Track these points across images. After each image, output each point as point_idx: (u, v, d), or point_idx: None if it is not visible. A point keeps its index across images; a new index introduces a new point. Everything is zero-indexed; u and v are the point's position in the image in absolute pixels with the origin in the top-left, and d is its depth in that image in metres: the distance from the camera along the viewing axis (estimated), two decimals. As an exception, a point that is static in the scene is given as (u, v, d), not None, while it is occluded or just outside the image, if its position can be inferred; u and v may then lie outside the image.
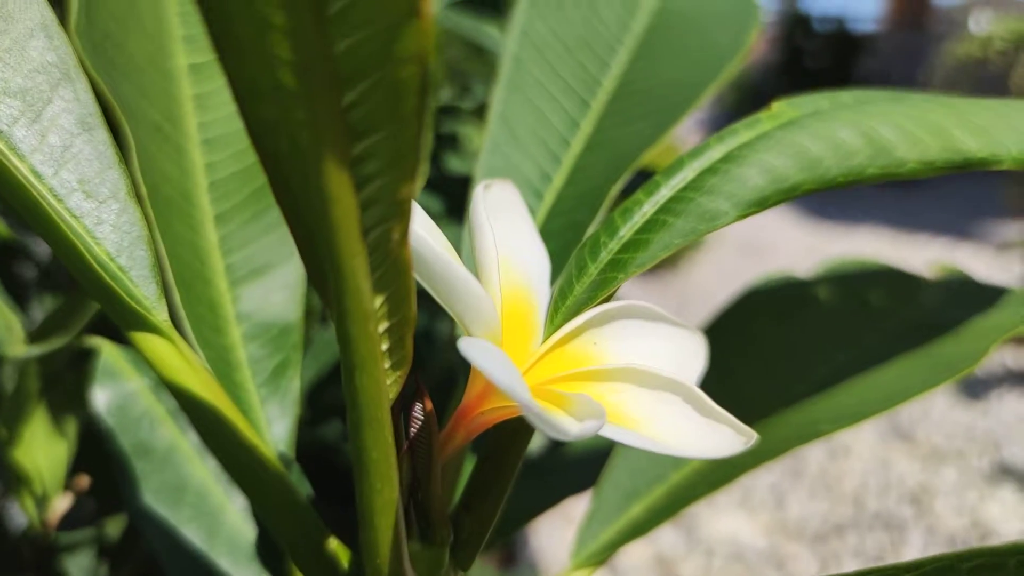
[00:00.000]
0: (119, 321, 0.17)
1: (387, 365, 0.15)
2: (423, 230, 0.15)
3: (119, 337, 0.30)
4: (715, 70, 0.29)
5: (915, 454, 1.80)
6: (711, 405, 0.17)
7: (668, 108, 0.29)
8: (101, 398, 0.26)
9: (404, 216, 0.13)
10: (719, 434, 0.17)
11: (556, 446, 0.36)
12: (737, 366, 0.31)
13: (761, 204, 0.19)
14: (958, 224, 3.46)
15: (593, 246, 0.20)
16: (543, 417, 0.13)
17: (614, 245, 0.20)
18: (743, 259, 3.05)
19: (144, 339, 0.17)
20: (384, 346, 0.15)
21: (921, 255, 2.91)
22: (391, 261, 0.14)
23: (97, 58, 0.27)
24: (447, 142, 0.52)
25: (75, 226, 0.17)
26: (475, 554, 0.20)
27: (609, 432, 0.16)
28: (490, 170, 0.28)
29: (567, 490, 0.34)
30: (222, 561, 0.23)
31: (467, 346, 0.14)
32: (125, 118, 0.26)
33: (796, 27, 6.07)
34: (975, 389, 2.06)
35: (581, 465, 0.35)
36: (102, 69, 0.27)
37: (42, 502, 0.36)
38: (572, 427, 0.13)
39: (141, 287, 0.18)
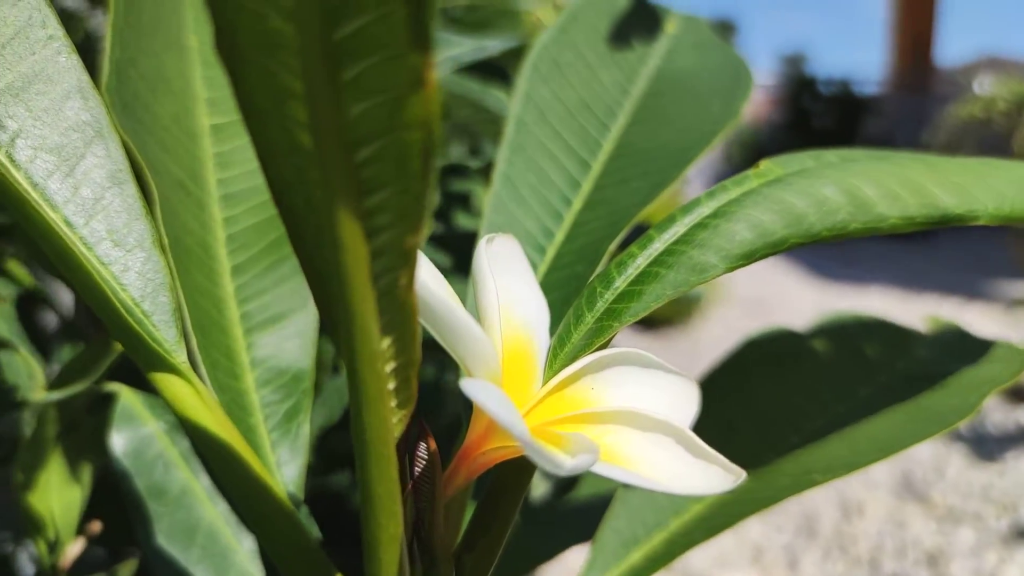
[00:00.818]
0: (141, 362, 0.19)
1: (393, 403, 0.16)
2: (429, 279, 0.16)
3: (136, 383, 0.31)
4: (708, 135, 0.31)
5: (931, 515, 1.77)
6: (702, 446, 0.18)
7: (663, 169, 0.30)
8: (118, 441, 0.27)
9: (410, 264, 0.15)
10: (710, 472, 0.18)
11: (558, 496, 0.37)
12: (734, 417, 0.31)
13: (749, 257, 0.21)
14: (967, 283, 3.46)
15: (590, 296, 0.21)
16: (539, 451, 0.14)
17: (609, 295, 0.21)
18: (750, 318, 3.05)
19: (164, 379, 0.19)
20: (391, 385, 0.16)
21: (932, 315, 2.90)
22: (398, 306, 0.15)
23: (126, 117, 0.29)
24: (457, 200, 0.54)
25: (103, 273, 0.19)
26: (477, 590, 0.20)
27: (605, 470, 0.16)
28: (494, 226, 0.29)
29: (569, 540, 0.34)
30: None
31: (468, 385, 0.15)
32: (150, 174, 0.27)
33: (802, 89, 6.18)
34: (991, 449, 2.04)
35: (583, 515, 0.36)
36: (130, 127, 0.28)
37: (55, 547, 0.37)
38: (566, 462, 0.14)
39: (162, 331, 0.19)
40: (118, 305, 0.18)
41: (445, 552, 0.19)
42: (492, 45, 0.34)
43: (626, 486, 0.28)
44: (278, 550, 0.19)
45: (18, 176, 0.19)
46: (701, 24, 0.43)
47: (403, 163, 0.13)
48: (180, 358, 0.19)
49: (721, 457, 0.18)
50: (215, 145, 0.33)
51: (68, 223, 0.19)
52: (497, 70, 0.42)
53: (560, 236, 0.30)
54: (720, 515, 0.27)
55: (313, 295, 0.15)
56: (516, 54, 0.43)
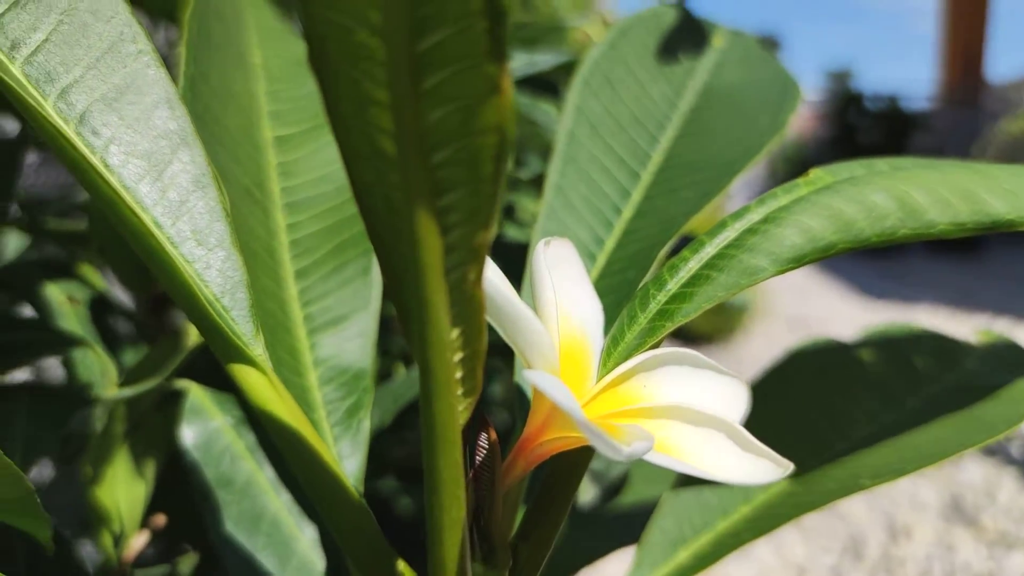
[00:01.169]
0: (220, 354, 0.20)
1: (459, 392, 0.17)
2: (492, 274, 0.17)
3: (203, 381, 0.33)
4: (754, 148, 0.31)
5: (981, 539, 1.73)
6: (752, 440, 0.19)
7: (711, 180, 0.31)
8: (188, 434, 0.29)
9: (480, 260, 0.16)
10: (760, 465, 0.18)
11: (604, 501, 0.38)
12: (779, 423, 0.32)
13: (798, 261, 0.21)
14: (1018, 301, 3.38)
15: (643, 298, 0.22)
16: (598, 434, 0.15)
17: (662, 297, 0.22)
18: (794, 335, 3.01)
19: (241, 371, 0.20)
20: (458, 375, 0.17)
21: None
22: (467, 299, 0.16)
23: (198, 128, 0.30)
24: (504, 211, 0.55)
25: (188, 270, 0.20)
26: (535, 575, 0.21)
27: (660, 460, 0.17)
28: (546, 234, 0.30)
29: (614, 544, 0.35)
30: (293, 588, 0.25)
31: (530, 374, 0.16)
32: (221, 182, 0.29)
33: (848, 104, 6.11)
34: (1043, 473, 1.98)
35: (628, 520, 0.37)
36: (202, 138, 0.30)
37: (119, 540, 0.39)
38: (623, 448, 0.15)
39: (240, 325, 0.20)
40: (202, 300, 0.19)
41: (503, 540, 0.20)
42: (543, 60, 0.35)
43: (673, 489, 0.29)
44: (344, 533, 0.20)
45: (112, 179, 0.20)
46: (748, 39, 0.43)
47: (475, 165, 0.14)
48: (257, 351, 0.20)
49: (770, 451, 0.18)
50: (278, 156, 0.35)
51: (157, 224, 0.20)
52: (547, 85, 0.43)
53: (611, 243, 0.31)
54: (767, 517, 0.27)
55: (388, 288, 0.17)
56: (565, 69, 0.44)
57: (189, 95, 0.31)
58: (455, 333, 0.16)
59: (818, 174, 0.24)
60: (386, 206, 0.15)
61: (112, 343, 0.40)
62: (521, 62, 0.34)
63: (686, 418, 0.19)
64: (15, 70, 0.20)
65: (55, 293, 0.37)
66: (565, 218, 0.31)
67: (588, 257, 0.30)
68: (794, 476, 0.29)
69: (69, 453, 0.35)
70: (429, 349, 0.16)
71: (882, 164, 0.24)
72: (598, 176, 0.33)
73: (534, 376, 0.15)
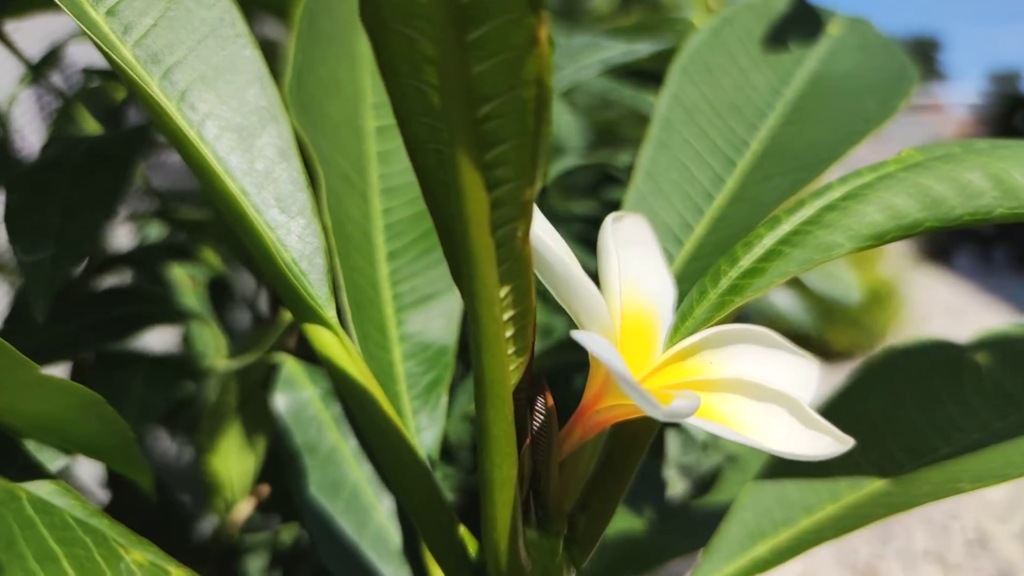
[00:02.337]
0: (296, 315, 0.21)
1: (511, 351, 0.18)
2: (546, 236, 0.17)
3: (300, 357, 0.34)
4: (857, 133, 0.30)
5: None
6: (815, 417, 0.18)
7: (807, 166, 0.30)
8: (281, 402, 0.30)
9: (527, 216, 0.16)
10: (821, 440, 0.18)
11: (694, 496, 0.37)
12: (877, 423, 0.30)
13: (878, 239, 0.20)
14: None
15: (714, 274, 0.22)
16: (638, 390, 0.14)
17: (734, 273, 0.21)
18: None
19: (315, 330, 0.21)
20: (508, 333, 0.17)
21: None
22: (516, 256, 0.16)
23: (303, 116, 0.32)
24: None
25: (270, 235, 0.21)
26: (588, 552, 0.21)
27: (714, 428, 0.17)
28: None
29: (700, 541, 0.34)
30: (369, 553, 0.26)
31: (579, 334, 0.16)
32: (320, 166, 0.30)
33: (1014, 108, 5.69)
34: None
35: (717, 518, 0.36)
36: (306, 125, 0.32)
37: (230, 506, 0.41)
38: (662, 406, 0.15)
39: (316, 288, 0.21)
40: (280, 263, 0.20)
41: (559, 508, 0.20)
42: (642, 48, 0.35)
43: (755, 481, 0.28)
44: (407, 490, 0.20)
45: (206, 151, 0.22)
46: (867, 26, 0.41)
47: (520, 118, 0.14)
48: (330, 313, 0.21)
49: (832, 427, 0.18)
50: (378, 144, 0.36)
51: (244, 192, 0.22)
52: (653, 76, 0.42)
53: (700, 229, 0.30)
54: (853, 516, 0.26)
55: (442, 245, 0.17)
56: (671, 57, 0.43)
57: (295, 84, 0.32)
58: (505, 290, 0.17)
59: (910, 152, 0.23)
60: (436, 161, 0.16)
61: (228, 321, 0.43)
62: (620, 51, 0.34)
63: (748, 392, 0.19)
64: (126, 52, 0.22)
65: (178, 273, 0.40)
66: (653, 203, 0.31)
67: (675, 242, 0.30)
68: (889, 477, 0.28)
69: (185, 421, 0.37)
70: (477, 303, 0.16)
71: (983, 143, 0.23)
72: (691, 162, 0.32)
73: (579, 335, 0.15)
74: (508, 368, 0.17)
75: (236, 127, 0.22)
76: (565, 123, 0.60)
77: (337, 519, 0.27)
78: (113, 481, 0.44)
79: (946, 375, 0.32)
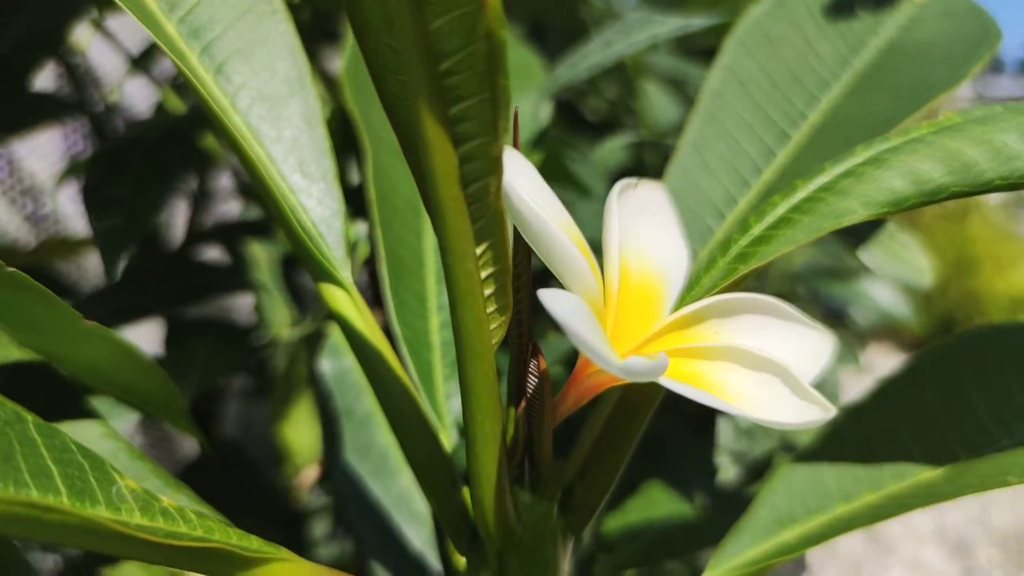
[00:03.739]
0: (313, 273, 0.22)
1: (491, 309, 0.18)
2: (530, 195, 0.17)
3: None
4: (919, 100, 0.29)
5: None
6: (805, 387, 0.17)
7: (863, 138, 0.28)
8: (326, 366, 0.32)
9: (497, 172, 0.16)
10: (808, 410, 0.17)
11: (748, 483, 0.36)
12: (934, 409, 0.28)
13: (896, 205, 0.19)
14: None
15: (725, 243, 0.21)
16: (587, 343, 0.14)
17: (744, 241, 0.21)
18: None
19: (328, 289, 0.22)
20: (488, 291, 0.18)
21: None
22: (490, 213, 0.17)
23: (358, 94, 0.33)
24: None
25: (291, 199, 0.22)
26: (586, 521, 0.21)
27: (695, 394, 0.17)
28: (673, 191, 0.30)
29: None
30: (392, 513, 0.27)
31: (542, 293, 0.16)
32: (370, 140, 0.31)
33: None
34: None
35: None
36: (360, 102, 0.33)
37: (298, 471, 0.43)
38: (615, 360, 0.15)
39: (333, 249, 0.22)
40: (296, 224, 0.21)
41: (552, 472, 0.20)
42: (696, 22, 0.34)
43: (790, 463, 0.27)
44: (409, 441, 0.21)
45: (237, 120, 0.23)
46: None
47: (479, 74, 0.15)
48: (344, 274, 0.22)
49: (822, 398, 0.17)
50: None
51: (271, 158, 0.23)
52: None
53: (745, 204, 0.29)
54: (891, 505, 0.25)
55: (423, 202, 0.17)
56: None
57: (353, 63, 0.34)
58: (481, 247, 0.17)
59: (948, 115, 0.21)
60: (409, 115, 0.16)
61: (303, 297, 0.45)
62: (673, 25, 0.33)
63: (742, 360, 0.18)
64: (170, 28, 0.23)
65: (255, 248, 0.43)
66: (696, 176, 0.30)
67: (716, 215, 0.29)
68: (937, 466, 0.26)
69: (255, 389, 0.39)
70: (449, 256, 0.16)
71: (1033, 105, 0.21)
72: (741, 135, 0.31)
73: (542, 293, 0.15)
74: (487, 325, 0.18)
75: (267, 97, 0.23)
76: (660, 103, 0.60)
77: (364, 479, 0.27)
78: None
79: (1021, 365, 0.30)
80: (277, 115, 0.23)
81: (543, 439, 0.20)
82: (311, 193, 0.23)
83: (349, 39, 0.35)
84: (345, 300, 0.22)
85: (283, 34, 0.24)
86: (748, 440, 0.34)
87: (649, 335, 0.20)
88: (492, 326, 0.18)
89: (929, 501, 0.24)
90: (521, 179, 0.18)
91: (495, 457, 0.19)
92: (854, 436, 0.27)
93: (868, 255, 0.36)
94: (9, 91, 0.35)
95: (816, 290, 0.77)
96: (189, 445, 0.57)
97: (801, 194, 0.21)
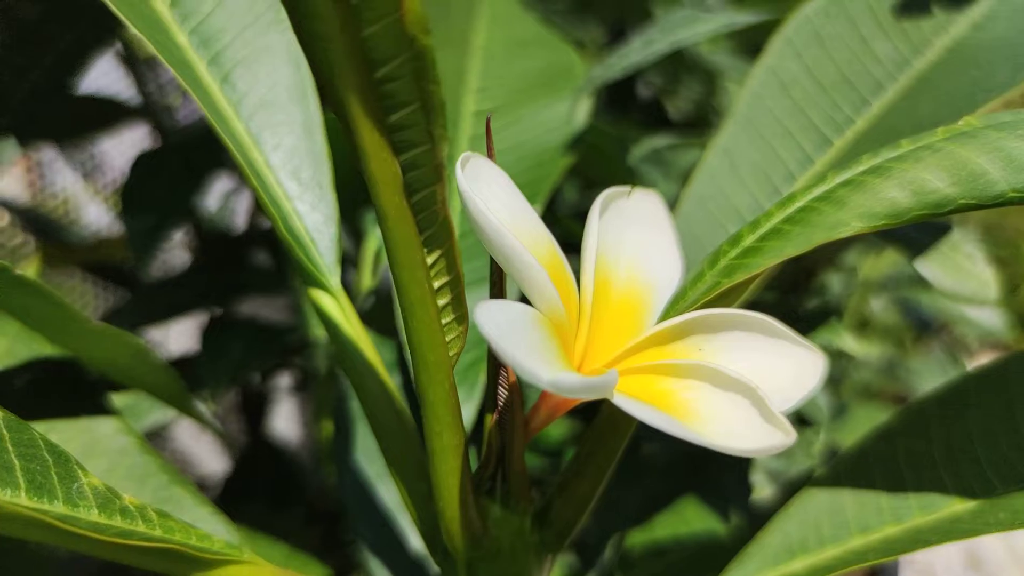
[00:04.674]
0: (302, 278, 0.22)
1: (448, 320, 0.17)
2: (490, 204, 0.17)
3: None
4: (968, 106, 0.26)
5: None
6: (774, 413, 0.16)
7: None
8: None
9: (442, 180, 0.16)
10: (770, 438, 0.16)
11: (784, 500, 0.34)
12: (980, 440, 0.26)
13: (895, 217, 0.18)
14: None
15: (715, 256, 0.20)
16: (507, 354, 0.14)
17: (733, 252, 0.19)
18: None
19: (316, 294, 0.22)
20: (443, 301, 0.17)
21: None
22: (440, 221, 0.16)
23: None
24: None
25: (286, 206, 0.23)
26: (564, 539, 0.20)
27: (658, 421, 0.16)
28: (699, 198, 0.29)
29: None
30: (396, 518, 0.27)
31: (478, 308, 0.15)
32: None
33: None
34: None
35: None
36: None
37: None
38: (544, 373, 0.14)
39: (324, 255, 0.22)
40: (285, 231, 0.22)
41: (522, 484, 0.19)
42: (742, 19, 0.32)
43: (808, 488, 0.25)
44: (390, 451, 0.21)
45: (239, 127, 0.23)
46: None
47: (412, 78, 0.14)
48: (333, 279, 0.22)
49: (787, 424, 0.16)
50: (473, 128, 0.37)
51: (269, 165, 0.23)
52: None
53: (772, 214, 0.28)
54: (911, 540, 0.23)
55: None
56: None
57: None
58: (433, 257, 0.17)
59: (968, 120, 0.19)
60: (348, 124, 0.16)
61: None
62: (717, 23, 0.32)
63: (712, 379, 0.17)
64: (182, 38, 0.24)
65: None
66: (724, 182, 0.29)
67: (742, 224, 0.28)
68: (969, 498, 0.24)
69: (295, 388, 0.40)
70: (396, 267, 0.16)
71: (1069, 109, 0.19)
72: (777, 141, 0.30)
73: (480, 305, 0.15)
74: (441, 335, 0.17)
75: (269, 104, 0.24)
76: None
77: (373, 483, 0.28)
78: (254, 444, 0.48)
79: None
80: (278, 122, 0.24)
81: (514, 452, 0.19)
82: (304, 199, 0.23)
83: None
84: (333, 305, 0.22)
85: (287, 44, 0.24)
86: (785, 458, 0.32)
87: (625, 350, 0.19)
88: (449, 337, 0.18)
89: (952, 537, 0.22)
90: (484, 187, 0.18)
91: (456, 470, 0.18)
92: (882, 461, 0.25)
93: (926, 267, 0.33)
94: (62, 97, 0.37)
95: (905, 300, 0.73)
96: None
97: (799, 204, 0.19)
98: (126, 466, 0.25)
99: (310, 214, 0.23)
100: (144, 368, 0.26)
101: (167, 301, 0.37)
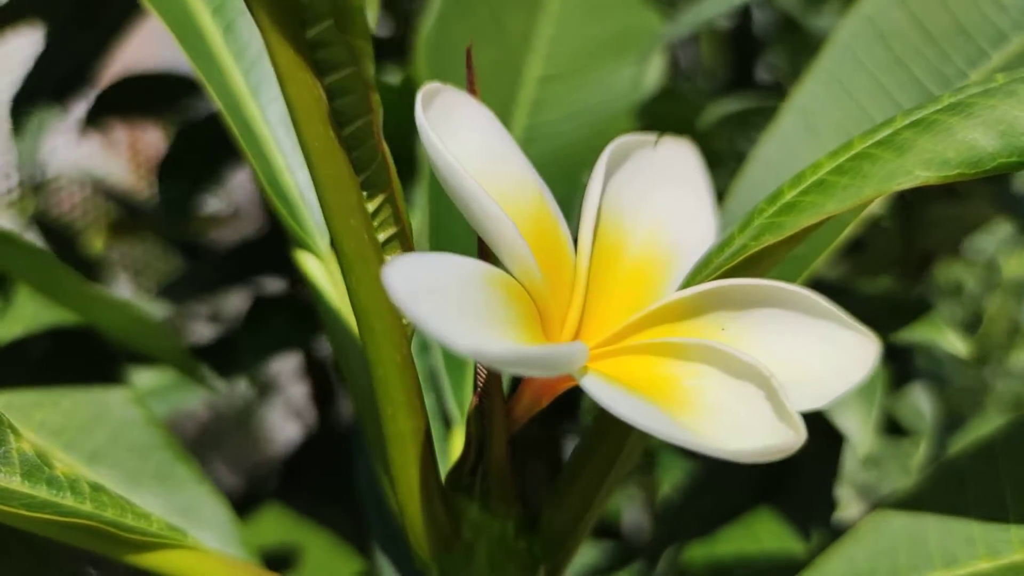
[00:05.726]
0: (294, 240, 0.20)
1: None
2: (442, 142, 0.14)
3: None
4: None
5: None
6: (788, 409, 0.13)
7: None
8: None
9: (376, 111, 0.13)
10: (775, 436, 0.12)
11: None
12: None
13: (973, 165, 0.14)
14: None
15: (749, 216, 0.16)
16: (419, 318, 0.11)
17: (771, 210, 0.16)
18: None
19: (303, 256, 0.20)
20: (390, 258, 0.15)
21: None
22: (380, 160, 0.14)
23: (436, 56, 0.31)
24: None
25: (278, 161, 0.21)
26: (557, 551, 0.17)
27: (636, 415, 0.12)
28: (767, 162, 0.25)
29: None
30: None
31: (392, 260, 0.12)
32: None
33: None
34: None
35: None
36: (437, 67, 0.31)
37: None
38: (460, 338, 0.11)
39: (314, 216, 0.20)
40: (270, 191, 0.20)
41: (504, 486, 0.17)
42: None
43: (881, 509, 0.21)
44: (370, 425, 0.19)
45: (237, 78, 0.22)
46: None
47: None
48: (322, 243, 0.20)
49: (799, 421, 0.12)
50: (537, 92, 0.34)
51: (266, 120, 0.21)
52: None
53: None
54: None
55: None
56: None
57: (436, 28, 0.32)
58: (375, 203, 0.14)
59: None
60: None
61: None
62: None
63: (723, 365, 0.14)
64: (223, 46, 0.22)
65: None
66: (798, 144, 0.25)
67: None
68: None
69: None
70: (328, 211, 0.14)
71: None
72: (867, 98, 0.25)
73: (391, 261, 0.12)
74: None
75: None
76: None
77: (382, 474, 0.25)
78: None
79: None
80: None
81: (494, 444, 0.16)
82: (298, 154, 0.21)
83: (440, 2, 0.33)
84: (318, 269, 0.20)
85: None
86: (877, 470, 0.28)
87: (627, 325, 0.16)
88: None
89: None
90: (453, 125, 0.15)
91: (414, 460, 0.16)
92: (979, 482, 0.21)
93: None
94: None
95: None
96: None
97: (854, 151, 0.16)
98: (129, 438, 0.24)
99: (302, 170, 0.21)
100: (148, 335, 0.24)
101: (223, 272, 0.37)
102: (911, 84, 0.25)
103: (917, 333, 0.26)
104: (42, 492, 0.16)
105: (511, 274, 0.14)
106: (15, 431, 0.16)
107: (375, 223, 0.14)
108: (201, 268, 0.39)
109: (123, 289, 0.61)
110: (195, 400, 0.35)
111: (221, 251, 0.41)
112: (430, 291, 0.12)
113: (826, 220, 0.15)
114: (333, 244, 0.14)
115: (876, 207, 0.45)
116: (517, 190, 0.16)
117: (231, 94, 0.21)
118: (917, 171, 0.14)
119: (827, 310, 0.15)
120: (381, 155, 0.14)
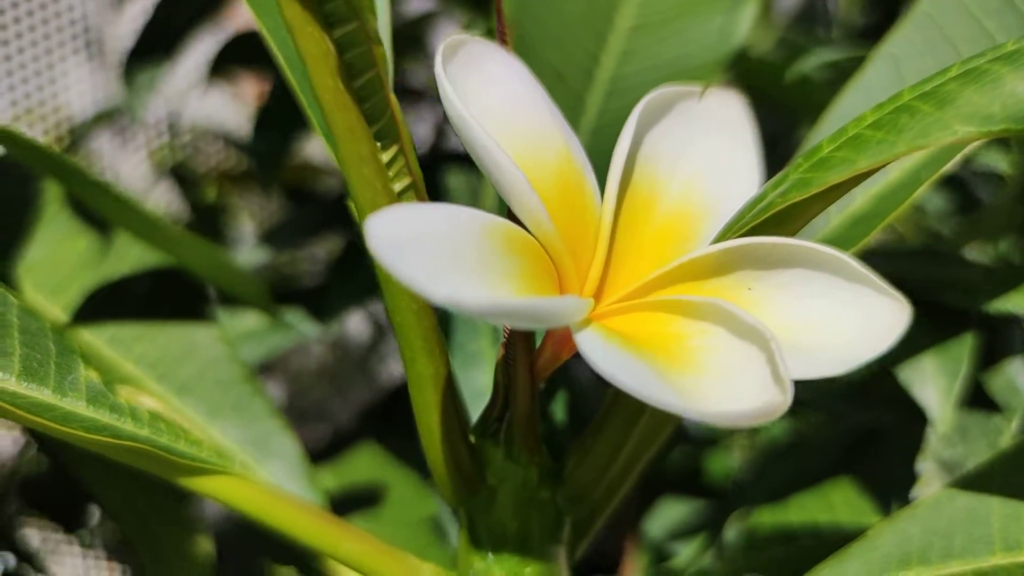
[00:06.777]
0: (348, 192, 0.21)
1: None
2: (455, 90, 0.14)
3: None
4: None
5: None
6: (784, 374, 0.12)
7: None
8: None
9: (383, 63, 0.13)
10: (764, 399, 0.12)
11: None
12: None
13: (1019, 120, 0.12)
14: None
15: (784, 173, 0.16)
16: (397, 270, 0.11)
17: (806, 166, 0.15)
18: None
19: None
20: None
21: None
22: (391, 112, 0.14)
23: (523, 11, 0.31)
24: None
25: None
26: (581, 502, 0.18)
27: (626, 377, 0.12)
28: (846, 114, 0.23)
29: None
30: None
31: (372, 216, 0.12)
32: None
33: None
34: None
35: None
36: (521, 16, 0.31)
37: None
38: (437, 288, 0.11)
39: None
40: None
41: (527, 429, 0.17)
42: None
43: (951, 489, 0.20)
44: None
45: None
46: None
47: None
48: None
49: (789, 386, 0.12)
50: (627, 43, 0.33)
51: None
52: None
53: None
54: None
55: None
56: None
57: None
58: (388, 155, 0.14)
59: None
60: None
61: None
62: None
63: (728, 324, 0.13)
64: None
65: (453, 178, 0.42)
66: (883, 96, 0.23)
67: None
68: None
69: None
70: (343, 162, 0.14)
71: None
72: (967, 45, 0.23)
73: (371, 217, 0.12)
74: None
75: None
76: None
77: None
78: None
79: None
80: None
81: (518, 392, 0.17)
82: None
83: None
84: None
85: None
86: (962, 443, 0.26)
87: (647, 282, 0.15)
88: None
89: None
90: (476, 76, 0.15)
91: (434, 404, 0.16)
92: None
93: None
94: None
95: None
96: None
97: (898, 103, 0.14)
98: (214, 373, 0.26)
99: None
100: (232, 277, 0.26)
101: (324, 218, 0.38)
102: (1020, 28, 0.23)
103: (1016, 303, 0.24)
104: (104, 416, 0.17)
105: (526, 228, 0.15)
106: (85, 361, 0.18)
107: (390, 173, 0.15)
108: (303, 214, 0.41)
109: (250, 237, 0.64)
110: (298, 342, 0.36)
111: (325, 199, 0.42)
112: (413, 240, 0.12)
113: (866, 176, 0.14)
114: (349, 195, 0.15)
115: (1003, 165, 0.41)
116: (540, 143, 0.16)
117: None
118: (956, 126, 0.13)
119: (859, 273, 0.14)
120: (391, 108, 0.14)
